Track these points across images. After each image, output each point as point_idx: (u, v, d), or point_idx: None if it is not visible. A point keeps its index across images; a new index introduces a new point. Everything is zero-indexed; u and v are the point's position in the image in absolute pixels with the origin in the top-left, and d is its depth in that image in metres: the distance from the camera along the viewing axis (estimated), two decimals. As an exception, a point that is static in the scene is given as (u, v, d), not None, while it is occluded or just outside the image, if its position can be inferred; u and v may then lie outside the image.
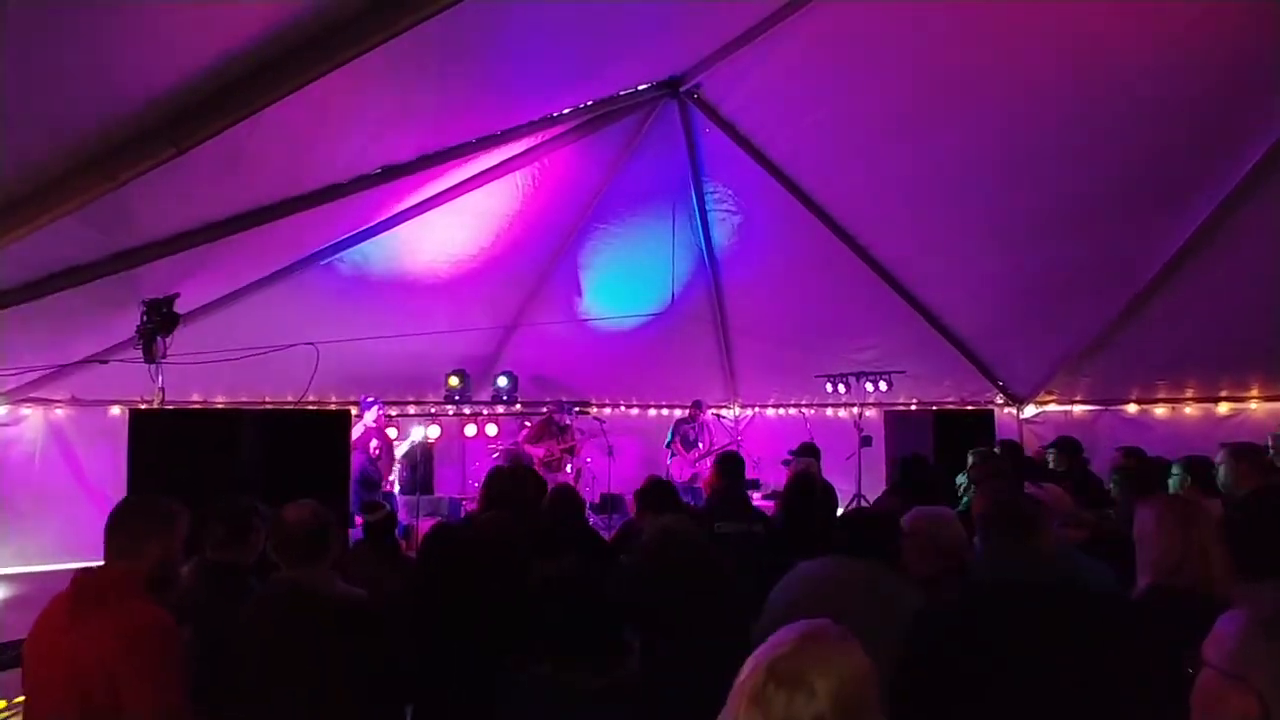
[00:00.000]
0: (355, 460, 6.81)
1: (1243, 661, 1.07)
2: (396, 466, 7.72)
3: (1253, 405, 6.87)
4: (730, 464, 4.27)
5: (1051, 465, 5.27)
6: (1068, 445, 5.14)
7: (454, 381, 8.43)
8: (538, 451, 8.43)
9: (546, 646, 1.84)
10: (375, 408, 7.25)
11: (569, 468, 8.69)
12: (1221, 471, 3.47)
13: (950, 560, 2.57)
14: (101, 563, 2.10)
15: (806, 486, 3.82)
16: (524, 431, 8.88)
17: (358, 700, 2.17)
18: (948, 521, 2.61)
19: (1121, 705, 1.72)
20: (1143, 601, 2.07)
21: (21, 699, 2.10)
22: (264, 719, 2.15)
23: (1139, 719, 1.70)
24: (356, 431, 6.68)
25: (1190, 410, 7.22)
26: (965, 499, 4.31)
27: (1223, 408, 7.03)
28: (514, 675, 1.86)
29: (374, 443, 7.10)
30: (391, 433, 7.76)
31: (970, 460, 4.62)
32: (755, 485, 9.19)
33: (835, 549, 2.50)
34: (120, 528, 2.09)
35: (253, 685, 2.15)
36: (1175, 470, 3.77)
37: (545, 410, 8.84)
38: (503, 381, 8.83)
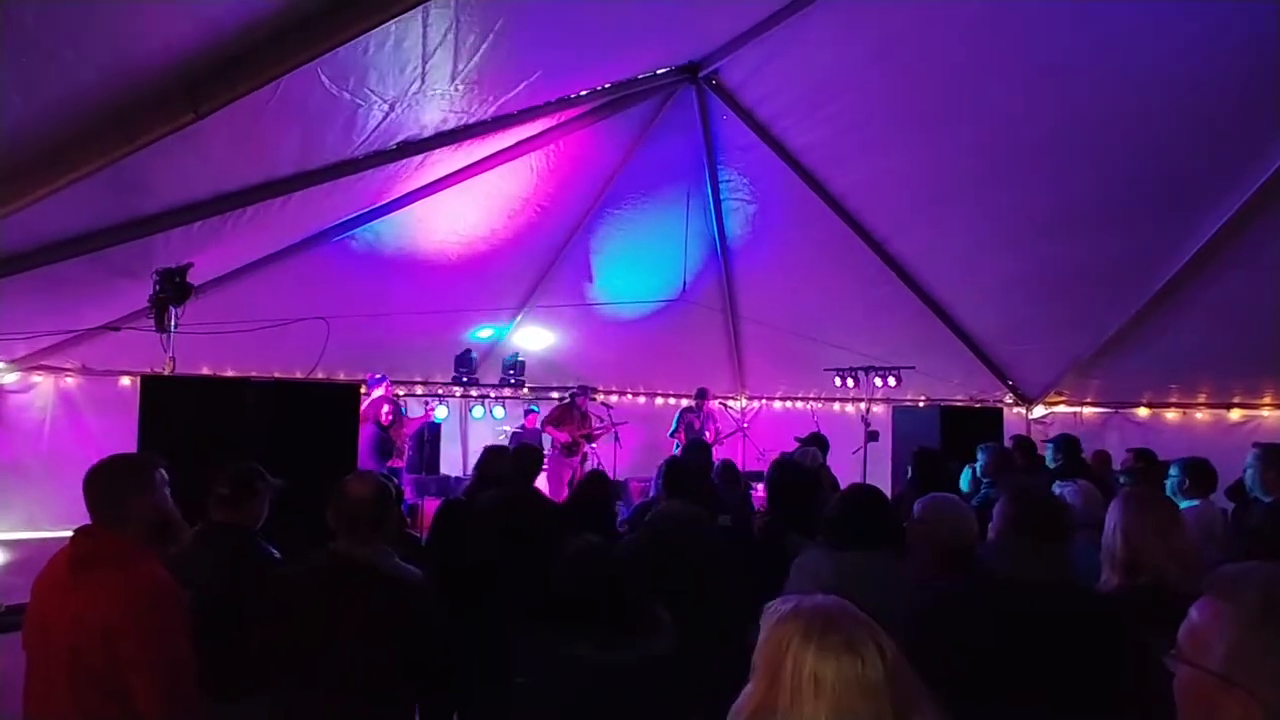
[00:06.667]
0: (366, 431, 6.82)
1: (1236, 662, 0.95)
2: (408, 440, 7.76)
3: (1265, 413, 6.82)
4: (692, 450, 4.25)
5: (1048, 461, 5.24)
6: (1064, 443, 5.13)
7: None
8: (562, 436, 8.44)
9: (566, 620, 1.82)
10: (384, 384, 7.26)
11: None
12: (1249, 472, 3.46)
13: (958, 553, 2.55)
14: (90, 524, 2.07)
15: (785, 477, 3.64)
16: (542, 414, 8.88)
17: (398, 675, 2.18)
18: (962, 514, 2.53)
19: (1124, 709, 1.70)
20: (1127, 600, 2.02)
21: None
22: (307, 687, 2.15)
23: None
24: (364, 403, 6.69)
25: (1202, 415, 7.17)
26: (982, 494, 4.27)
27: (1235, 414, 6.98)
28: (532, 647, 1.84)
29: (385, 409, 7.12)
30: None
31: (980, 457, 4.59)
32: (760, 477, 9.18)
33: (839, 538, 2.45)
34: (101, 490, 2.07)
35: (299, 654, 2.15)
36: (1173, 471, 3.79)
37: (568, 395, 8.84)
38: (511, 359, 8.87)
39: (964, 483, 4.81)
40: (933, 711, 1.19)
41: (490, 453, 4.01)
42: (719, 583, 2.70)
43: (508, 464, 3.84)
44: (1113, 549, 2.10)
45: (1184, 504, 3.59)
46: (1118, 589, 2.06)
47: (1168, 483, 3.79)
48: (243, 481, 2.68)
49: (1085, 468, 4.89)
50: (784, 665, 1.17)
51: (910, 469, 4.57)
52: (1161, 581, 1.97)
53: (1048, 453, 5.26)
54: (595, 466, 8.91)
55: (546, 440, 8.45)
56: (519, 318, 9.12)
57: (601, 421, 8.71)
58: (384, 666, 2.14)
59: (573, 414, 8.52)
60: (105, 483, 2.08)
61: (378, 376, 7.30)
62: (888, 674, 1.14)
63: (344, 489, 2.28)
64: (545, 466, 8.67)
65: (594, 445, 8.80)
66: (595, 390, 9.01)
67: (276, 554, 2.64)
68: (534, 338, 9.28)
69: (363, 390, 6.39)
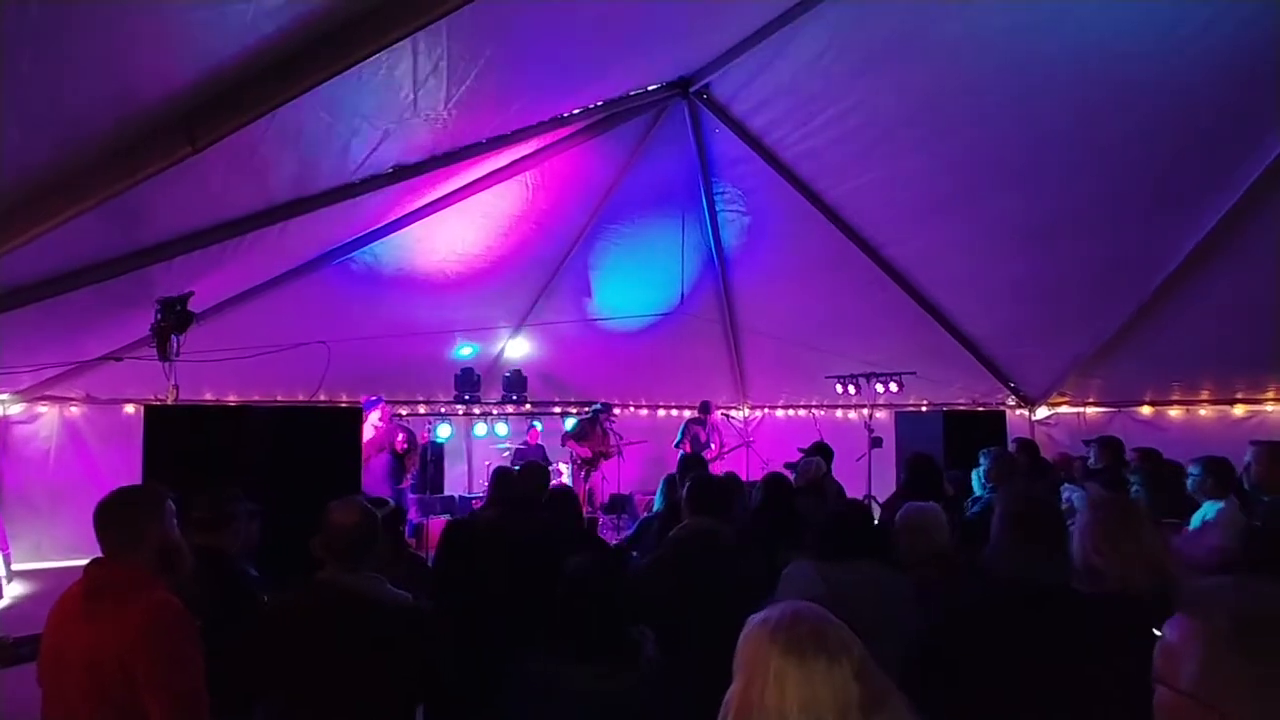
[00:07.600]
0: (382, 459, 6.84)
1: (1210, 684, 0.94)
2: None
3: (1269, 407, 6.80)
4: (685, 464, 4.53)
5: (1091, 463, 5.24)
6: (1110, 444, 5.12)
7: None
8: (584, 451, 8.51)
9: (554, 644, 1.83)
10: (378, 407, 7.23)
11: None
12: (1250, 470, 3.42)
13: (940, 557, 2.70)
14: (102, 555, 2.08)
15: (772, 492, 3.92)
16: (545, 429, 8.95)
17: (393, 701, 2.18)
18: (931, 515, 2.78)
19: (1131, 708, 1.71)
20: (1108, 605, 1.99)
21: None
22: (299, 715, 2.15)
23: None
24: (367, 434, 6.70)
25: (1205, 412, 7.15)
26: (983, 499, 4.24)
27: (1239, 409, 6.96)
28: (520, 671, 1.85)
29: (400, 436, 7.14)
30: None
31: (982, 461, 4.56)
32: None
33: (825, 550, 2.51)
34: (115, 519, 2.07)
35: (289, 683, 2.14)
36: (1193, 470, 3.72)
37: (590, 412, 8.97)
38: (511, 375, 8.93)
39: (976, 485, 4.77)
40: (901, 709, 1.24)
41: (500, 472, 4.01)
42: (746, 600, 2.71)
43: (516, 483, 3.83)
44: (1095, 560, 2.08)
45: (1209, 503, 3.52)
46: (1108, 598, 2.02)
47: (1188, 482, 3.68)
48: (218, 505, 2.68)
49: (1125, 468, 4.84)
50: (757, 664, 1.23)
51: (905, 479, 4.57)
52: (1103, 589, 1.96)
53: (1091, 454, 5.25)
54: (597, 481, 8.94)
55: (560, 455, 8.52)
56: (516, 333, 9.16)
57: (620, 439, 8.76)
58: (377, 693, 2.14)
59: (596, 431, 8.64)
60: (119, 512, 2.09)
61: (372, 399, 7.29)
62: (854, 671, 1.20)
63: (328, 517, 2.27)
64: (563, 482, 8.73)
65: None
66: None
67: (255, 574, 2.65)
68: (533, 353, 9.32)
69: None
